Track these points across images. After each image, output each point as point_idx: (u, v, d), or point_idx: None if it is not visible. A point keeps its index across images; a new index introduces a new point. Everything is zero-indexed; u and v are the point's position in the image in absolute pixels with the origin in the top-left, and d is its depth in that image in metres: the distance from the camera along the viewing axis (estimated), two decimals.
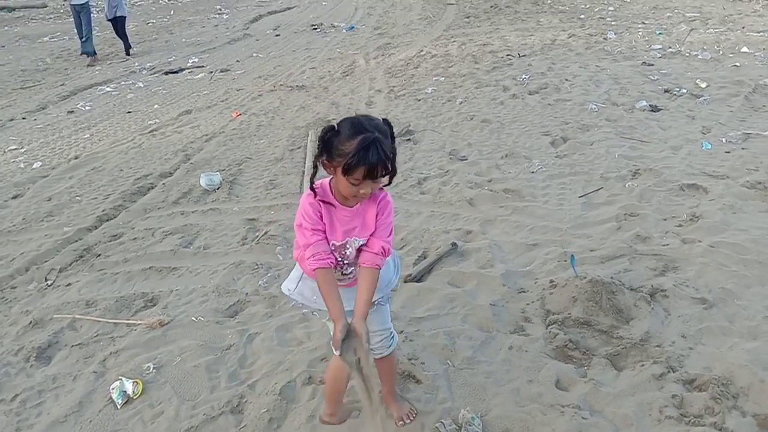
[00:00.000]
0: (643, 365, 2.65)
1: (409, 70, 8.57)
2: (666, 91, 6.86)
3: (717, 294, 3.10)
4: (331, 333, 2.01)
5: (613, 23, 11.42)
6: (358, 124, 1.83)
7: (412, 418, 2.44)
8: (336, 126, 1.87)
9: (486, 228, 4.04)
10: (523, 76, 7.72)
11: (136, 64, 11.06)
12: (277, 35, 13.22)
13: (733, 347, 2.74)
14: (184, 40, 13.34)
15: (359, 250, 2.09)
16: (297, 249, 2.12)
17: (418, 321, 3.11)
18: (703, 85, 7.05)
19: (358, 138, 1.78)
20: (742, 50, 8.81)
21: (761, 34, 10.04)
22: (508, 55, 9.02)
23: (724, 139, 5.35)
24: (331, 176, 1.97)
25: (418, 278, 3.53)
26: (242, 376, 2.82)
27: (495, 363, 2.77)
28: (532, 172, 4.83)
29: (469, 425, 2.40)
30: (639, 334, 2.84)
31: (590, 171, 4.76)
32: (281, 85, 8.45)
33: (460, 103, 6.87)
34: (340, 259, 2.09)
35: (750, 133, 5.47)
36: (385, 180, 1.89)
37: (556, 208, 4.21)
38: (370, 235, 2.07)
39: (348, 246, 2.07)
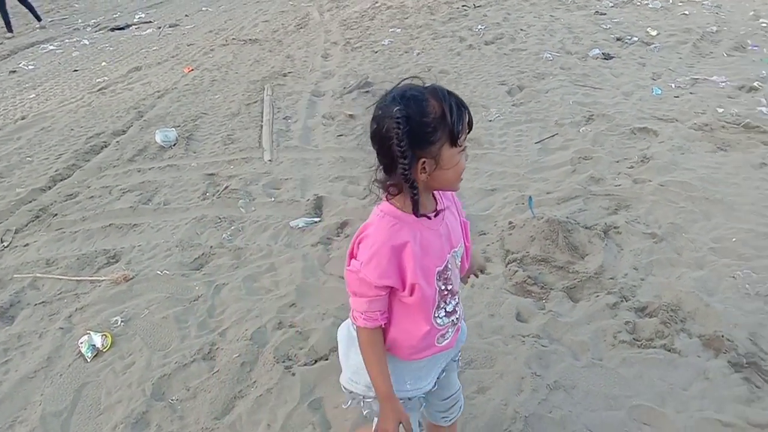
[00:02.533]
0: (597, 296, 2.79)
1: (364, 22, 8.46)
2: (618, 39, 6.97)
3: (666, 229, 3.26)
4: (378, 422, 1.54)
5: None
6: (408, 89, 1.36)
7: None
8: (396, 112, 1.31)
9: None
10: (479, 27, 7.72)
11: (80, 21, 10.61)
12: None
13: (680, 277, 2.90)
14: None
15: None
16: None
17: None
18: (654, 33, 7.19)
19: (430, 97, 1.33)
20: None
21: None
22: (463, 5, 8.98)
23: (673, 85, 5.51)
24: (395, 195, 1.42)
25: None
26: (212, 324, 2.85)
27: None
28: (490, 121, 4.90)
29: None
30: (594, 268, 2.98)
31: (545, 118, 4.85)
32: (233, 39, 8.25)
33: (417, 54, 6.85)
34: (443, 288, 1.52)
35: (698, 79, 5.64)
36: None
37: (513, 154, 4.30)
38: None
39: (449, 266, 1.52)
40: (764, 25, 7.56)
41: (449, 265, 1.52)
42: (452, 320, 1.59)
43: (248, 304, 2.93)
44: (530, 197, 3.49)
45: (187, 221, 3.74)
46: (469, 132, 1.39)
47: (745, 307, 2.70)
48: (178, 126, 5.29)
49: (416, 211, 1.41)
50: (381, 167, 1.39)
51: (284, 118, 5.28)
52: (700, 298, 2.71)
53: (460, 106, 1.35)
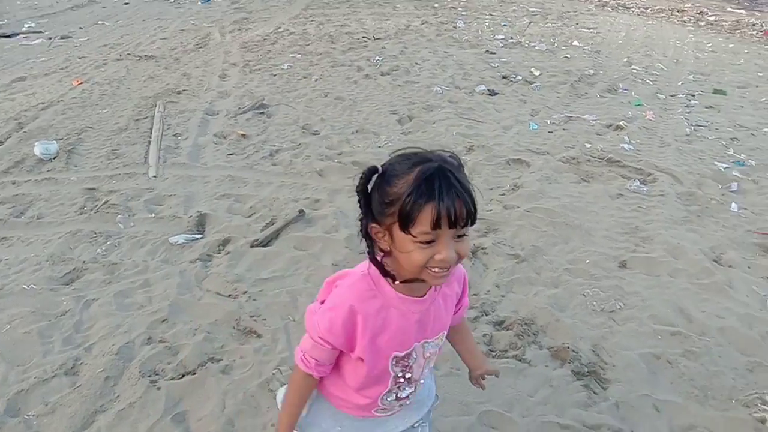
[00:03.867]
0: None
1: (265, 46, 8.53)
2: (504, 77, 7.45)
3: (528, 251, 3.53)
4: None
5: (463, 13, 12.07)
6: (411, 155, 1.26)
7: None
8: (380, 167, 1.28)
9: (333, 197, 4.22)
10: (377, 58, 8.00)
11: None
12: (126, 3, 12.47)
13: (537, 294, 3.15)
14: (18, 2, 12.18)
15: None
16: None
17: (263, 282, 3.23)
18: (537, 73, 7.75)
19: (414, 170, 1.20)
20: (573, 43, 9.75)
21: (591, 30, 11.15)
22: (363, 37, 9.27)
23: (549, 121, 5.97)
24: (382, 257, 1.34)
25: (265, 243, 3.64)
26: (78, 339, 2.78)
27: None
28: (379, 147, 5.10)
29: None
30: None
31: (430, 147, 5.08)
32: (128, 54, 8.06)
33: (316, 80, 7.00)
34: (400, 375, 1.45)
35: (571, 116, 6.15)
36: (468, 230, 1.25)
37: None
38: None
39: (414, 354, 1.44)
40: (635, 70, 8.36)
41: (414, 354, 1.42)
42: (400, 404, 1.53)
43: (118, 320, 2.88)
44: None
45: (61, 235, 3.61)
46: (454, 227, 1.20)
47: (591, 321, 2.98)
48: (61, 139, 5.09)
49: (386, 276, 1.33)
50: None
51: (174, 135, 5.22)
52: (552, 313, 2.96)
53: (425, 195, 1.17)
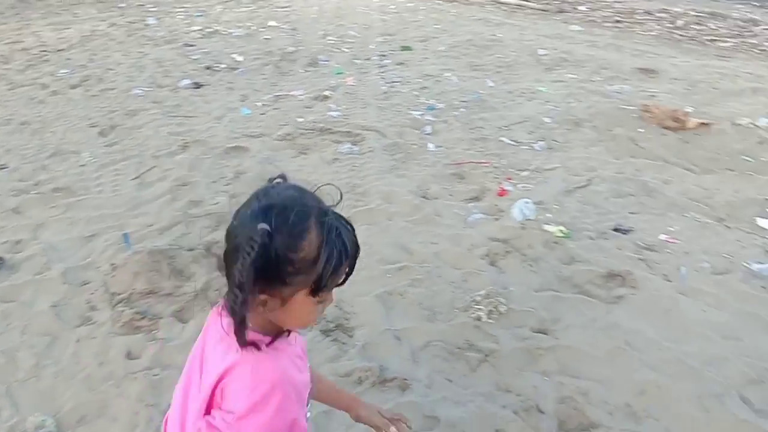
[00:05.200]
0: (205, 309, 2.92)
1: None
2: (207, 68, 7.32)
3: None
4: None
5: (152, 9, 11.47)
6: (291, 205, 1.08)
7: None
8: (257, 233, 1.02)
9: (38, 233, 3.77)
10: (63, 71, 7.25)
11: None
12: None
13: None
14: None
15: None
16: None
17: None
18: (240, 59, 7.75)
19: (312, 225, 1.06)
20: (270, 24, 9.94)
21: (285, 8, 11.47)
22: (42, 51, 8.31)
23: (259, 103, 6.04)
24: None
25: None
26: None
27: (62, 361, 2.69)
28: (82, 166, 4.67)
29: (41, 428, 2.32)
30: (201, 285, 3.11)
31: (141, 153, 4.83)
32: None
33: None
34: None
35: (279, 95, 6.31)
36: None
37: (111, 195, 4.18)
38: None
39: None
40: (331, 41, 8.85)
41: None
42: None
43: None
44: (125, 234, 3.46)
45: None
46: (344, 281, 1.13)
47: None
48: None
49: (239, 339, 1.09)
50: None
51: None
52: None
53: (343, 255, 1.07)
